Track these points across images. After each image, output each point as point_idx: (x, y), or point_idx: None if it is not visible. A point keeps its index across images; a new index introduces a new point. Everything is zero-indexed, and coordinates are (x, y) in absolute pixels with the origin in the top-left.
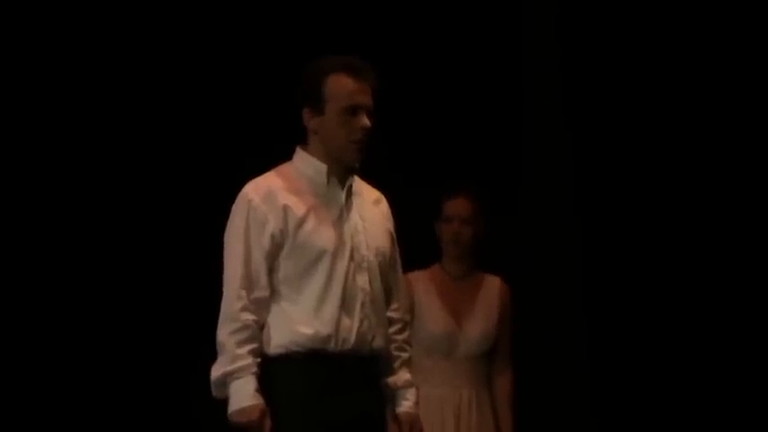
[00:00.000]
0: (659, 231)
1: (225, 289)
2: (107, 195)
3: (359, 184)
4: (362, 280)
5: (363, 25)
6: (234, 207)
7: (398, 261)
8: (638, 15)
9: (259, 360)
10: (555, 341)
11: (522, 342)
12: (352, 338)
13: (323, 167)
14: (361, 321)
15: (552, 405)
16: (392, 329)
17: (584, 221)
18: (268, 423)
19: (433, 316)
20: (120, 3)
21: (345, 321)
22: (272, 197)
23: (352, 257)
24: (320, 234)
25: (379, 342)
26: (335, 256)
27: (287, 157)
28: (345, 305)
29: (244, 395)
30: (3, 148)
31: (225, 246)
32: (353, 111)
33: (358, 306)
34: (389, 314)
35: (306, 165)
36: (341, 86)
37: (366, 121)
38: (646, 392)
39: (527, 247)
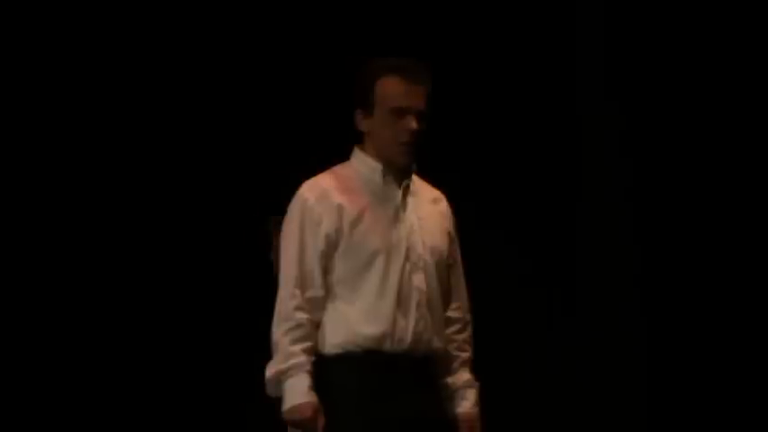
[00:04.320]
0: (720, 242)
1: (280, 288)
2: (167, 197)
3: (417, 184)
4: (418, 279)
5: (425, 31)
6: (290, 207)
7: (459, 260)
8: (694, 30)
9: (313, 358)
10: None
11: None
12: (408, 338)
13: (378, 167)
14: (417, 321)
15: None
16: (452, 329)
17: (642, 235)
18: (321, 420)
19: None
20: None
21: (401, 321)
22: (327, 197)
23: (407, 257)
24: (375, 233)
25: (435, 342)
26: (390, 255)
27: (347, 156)
28: (401, 305)
29: (297, 393)
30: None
31: (281, 246)
32: (400, 113)
33: (414, 306)
34: (449, 314)
35: (362, 164)
36: (389, 89)
37: (413, 124)
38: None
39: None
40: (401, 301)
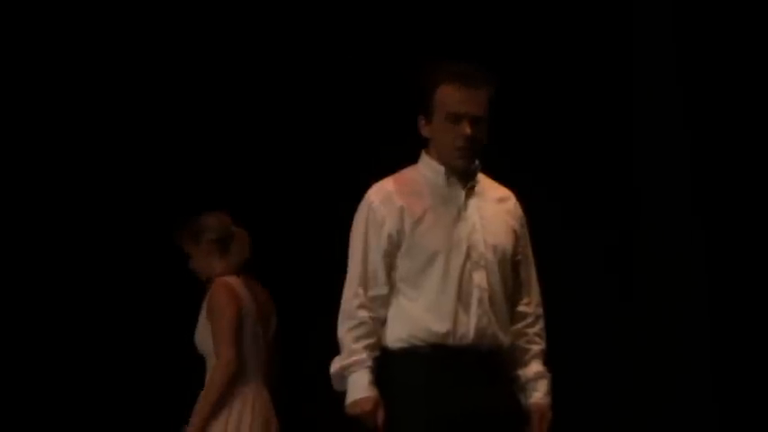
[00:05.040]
0: None
1: (345, 288)
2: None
3: (484, 184)
4: (479, 277)
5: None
6: (358, 210)
7: (529, 256)
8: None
9: (375, 354)
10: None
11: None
12: (471, 334)
13: (441, 170)
14: (480, 317)
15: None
16: (523, 323)
17: (703, 222)
18: (381, 414)
19: None
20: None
21: (462, 317)
22: (391, 199)
23: (468, 255)
24: (435, 234)
25: (501, 337)
26: (450, 254)
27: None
28: (462, 302)
29: (358, 387)
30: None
31: (349, 247)
32: (456, 119)
33: (475, 302)
34: (520, 308)
35: (427, 167)
36: (446, 96)
37: (467, 130)
38: None
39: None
40: (462, 298)
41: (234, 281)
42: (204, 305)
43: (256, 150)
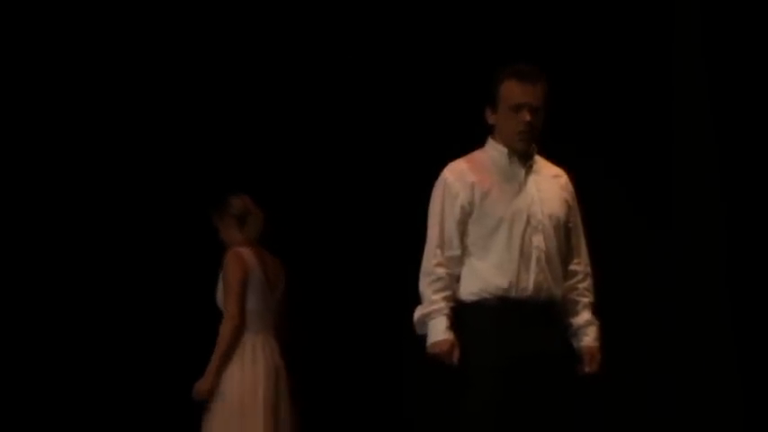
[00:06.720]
0: None
1: (425, 249)
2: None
3: (540, 163)
4: (538, 240)
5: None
6: (435, 185)
7: (578, 223)
8: None
9: (452, 305)
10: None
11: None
12: (530, 287)
13: (504, 151)
14: (537, 274)
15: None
16: (575, 279)
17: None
18: (456, 353)
19: None
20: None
21: (524, 274)
22: (463, 176)
23: (528, 222)
24: (500, 204)
25: (554, 290)
26: (513, 221)
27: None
28: (523, 261)
29: (437, 331)
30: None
31: (428, 215)
32: (517, 108)
33: (534, 261)
34: (572, 267)
35: (493, 150)
36: (508, 90)
37: (526, 117)
38: None
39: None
40: (523, 258)
41: (245, 251)
42: (221, 270)
43: (346, 148)
